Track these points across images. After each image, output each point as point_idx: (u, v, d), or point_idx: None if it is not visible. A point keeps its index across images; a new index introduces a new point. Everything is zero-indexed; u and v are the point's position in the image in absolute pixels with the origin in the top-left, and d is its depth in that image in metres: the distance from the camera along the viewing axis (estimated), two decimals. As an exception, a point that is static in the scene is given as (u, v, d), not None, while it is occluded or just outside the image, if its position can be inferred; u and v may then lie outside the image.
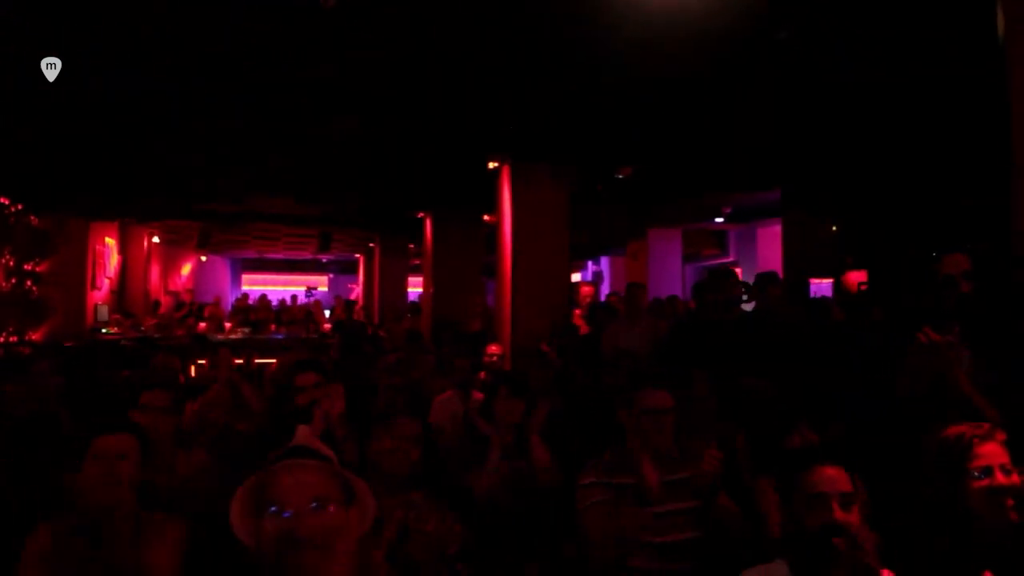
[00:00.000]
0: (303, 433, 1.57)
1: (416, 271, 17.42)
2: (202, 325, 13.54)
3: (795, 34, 4.69)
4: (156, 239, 15.30)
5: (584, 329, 8.22)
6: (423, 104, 6.68)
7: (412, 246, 16.69)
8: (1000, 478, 2.08)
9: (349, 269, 21.97)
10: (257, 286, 21.40)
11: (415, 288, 17.09)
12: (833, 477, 2.02)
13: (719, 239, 15.51)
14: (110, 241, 13.31)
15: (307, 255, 20.17)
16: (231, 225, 12.51)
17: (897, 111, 6.34)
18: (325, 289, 22.41)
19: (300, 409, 3.38)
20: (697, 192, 9.75)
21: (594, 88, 6.18)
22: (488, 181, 8.83)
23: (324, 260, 21.51)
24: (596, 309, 7.89)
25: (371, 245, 16.50)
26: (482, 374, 6.15)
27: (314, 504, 1.42)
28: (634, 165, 7.77)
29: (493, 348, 7.02)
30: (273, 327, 14.57)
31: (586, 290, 8.34)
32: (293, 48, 5.30)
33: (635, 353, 5.56)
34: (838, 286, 8.25)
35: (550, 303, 7.54)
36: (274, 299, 18.15)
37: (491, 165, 7.76)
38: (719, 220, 12.41)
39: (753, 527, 2.75)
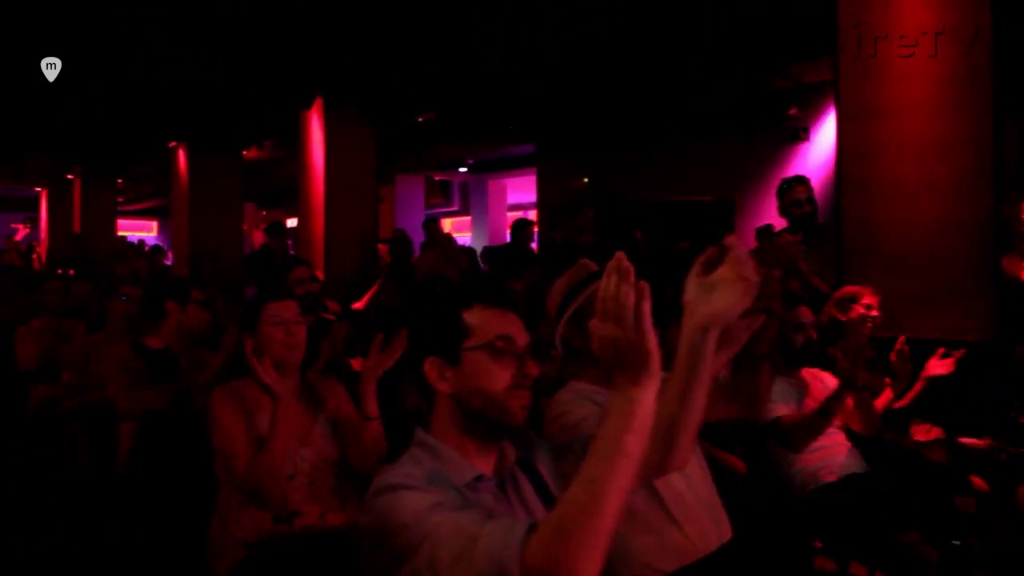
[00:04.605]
0: None
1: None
2: None
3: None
4: None
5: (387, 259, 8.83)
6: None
7: (120, 181, 15.11)
8: None
9: (9, 206, 18.77)
10: None
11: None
12: None
13: (444, 189, 16.69)
14: None
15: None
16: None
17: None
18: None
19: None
20: (468, 142, 10.67)
21: (400, 38, 6.61)
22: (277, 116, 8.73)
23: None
24: (398, 242, 8.53)
25: (69, 177, 14.46)
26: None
27: None
28: (435, 111, 8.38)
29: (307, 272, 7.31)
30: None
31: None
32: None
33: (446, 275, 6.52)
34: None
35: (361, 235, 7.97)
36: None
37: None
38: (463, 170, 13.51)
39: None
